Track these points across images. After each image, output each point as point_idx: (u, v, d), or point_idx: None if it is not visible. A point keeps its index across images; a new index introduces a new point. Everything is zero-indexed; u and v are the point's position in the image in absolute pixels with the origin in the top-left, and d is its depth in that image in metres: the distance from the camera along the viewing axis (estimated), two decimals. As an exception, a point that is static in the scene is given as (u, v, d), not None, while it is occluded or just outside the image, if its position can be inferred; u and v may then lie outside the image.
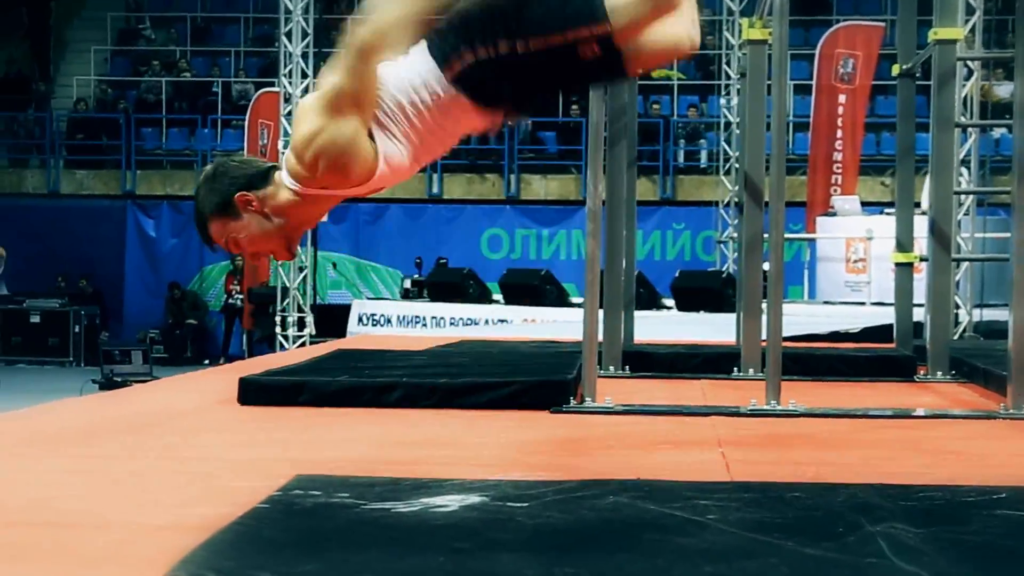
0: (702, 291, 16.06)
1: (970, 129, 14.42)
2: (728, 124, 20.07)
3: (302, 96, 18.40)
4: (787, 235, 5.50)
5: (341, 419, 4.74)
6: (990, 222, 14.86)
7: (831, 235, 15.72)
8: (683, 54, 3.84)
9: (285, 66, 18.63)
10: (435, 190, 22.87)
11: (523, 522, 2.69)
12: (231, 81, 24.56)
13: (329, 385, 5.25)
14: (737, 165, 19.23)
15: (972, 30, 14.04)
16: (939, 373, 6.65)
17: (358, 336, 14.94)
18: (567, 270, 20.41)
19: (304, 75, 18.59)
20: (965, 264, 13.87)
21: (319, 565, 2.32)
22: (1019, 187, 5.11)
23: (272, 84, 20.01)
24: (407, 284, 19.75)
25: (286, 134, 18.63)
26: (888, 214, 14.50)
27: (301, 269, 18.85)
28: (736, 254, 18.84)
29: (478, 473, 3.66)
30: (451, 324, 16.58)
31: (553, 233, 22.73)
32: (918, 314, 7.58)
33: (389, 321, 17.80)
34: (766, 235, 5.75)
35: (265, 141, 19.64)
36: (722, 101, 20.43)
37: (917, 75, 7.42)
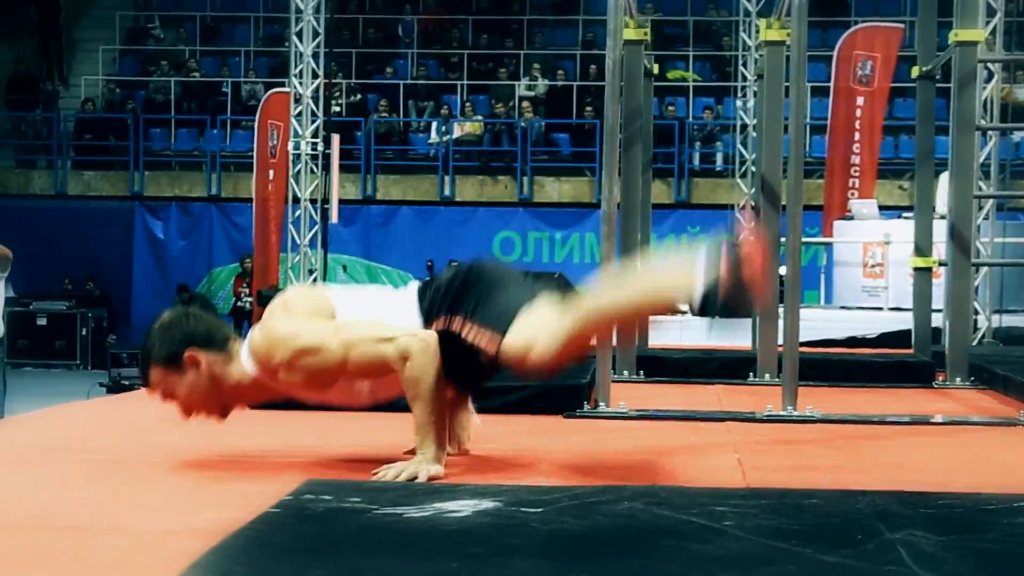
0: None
1: (990, 132, 14.40)
2: (744, 126, 20.02)
3: (312, 97, 18.46)
4: (804, 239, 5.48)
5: (351, 423, 4.74)
6: (1010, 226, 14.83)
7: (848, 239, 15.69)
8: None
9: (295, 66, 18.63)
10: (447, 192, 22.88)
11: (537, 528, 2.69)
12: (241, 81, 24.59)
13: (340, 389, 5.25)
14: (753, 168, 19.20)
15: (993, 32, 14.00)
16: (958, 379, 6.64)
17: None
18: (580, 273, 20.35)
19: (315, 75, 18.60)
20: (984, 269, 13.83)
21: (331, 570, 2.32)
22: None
23: (282, 84, 19.98)
24: (418, 287, 19.74)
25: (296, 135, 18.64)
26: (906, 218, 14.46)
27: (311, 271, 18.86)
28: (752, 258, 18.81)
29: (491, 478, 3.67)
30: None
31: (566, 236, 22.72)
32: (936, 320, 7.58)
33: (400, 324, 17.76)
34: (783, 239, 5.75)
35: (275, 142, 19.63)
36: (738, 103, 20.38)
37: (937, 77, 7.42)
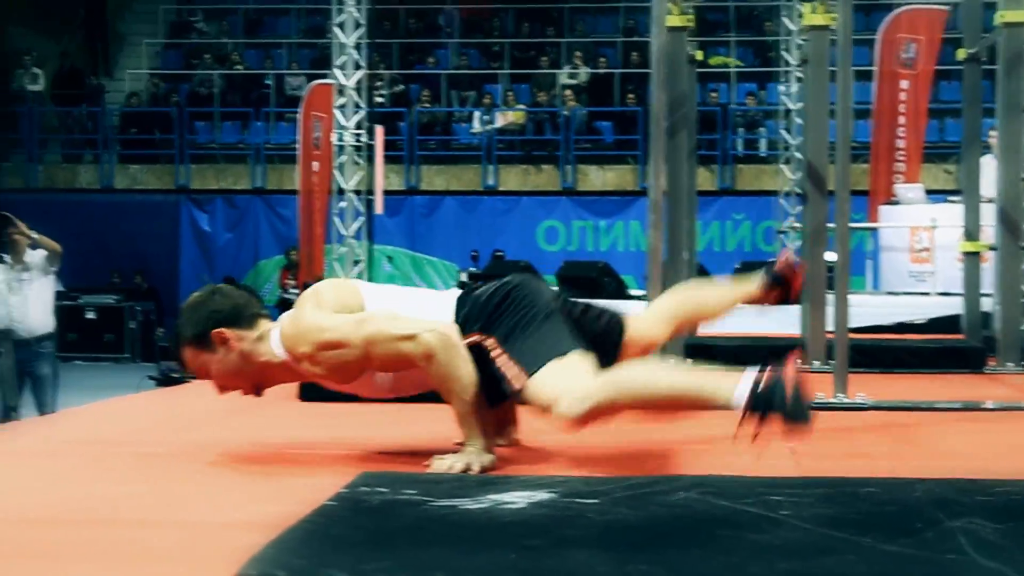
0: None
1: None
2: (787, 112, 19.94)
3: (355, 88, 18.47)
4: (850, 224, 5.45)
5: (403, 414, 4.75)
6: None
7: (895, 224, 15.60)
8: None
9: (338, 57, 18.64)
10: (490, 182, 22.87)
11: (593, 519, 2.69)
12: (284, 73, 24.65)
13: (390, 380, 5.25)
14: (797, 153, 19.13)
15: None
16: (1009, 364, 6.59)
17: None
18: (625, 262, 20.35)
19: (357, 66, 18.61)
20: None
21: (390, 563, 2.32)
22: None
23: (325, 76, 20.02)
24: (463, 277, 19.76)
25: (339, 126, 18.64)
26: (952, 202, 14.37)
27: (356, 263, 18.89)
28: (797, 244, 18.75)
29: (545, 469, 3.67)
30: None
31: (610, 224, 22.67)
32: (986, 304, 7.52)
33: (446, 314, 17.77)
34: (830, 224, 5.72)
35: (318, 133, 19.65)
36: (781, 88, 20.29)
37: (983, 59, 7.36)
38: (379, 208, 18.30)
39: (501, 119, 23.12)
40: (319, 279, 21.58)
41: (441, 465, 3.51)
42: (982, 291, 7.46)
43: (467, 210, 22.80)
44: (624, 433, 4.55)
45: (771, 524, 2.59)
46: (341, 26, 18.67)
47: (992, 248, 7.00)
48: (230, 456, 3.90)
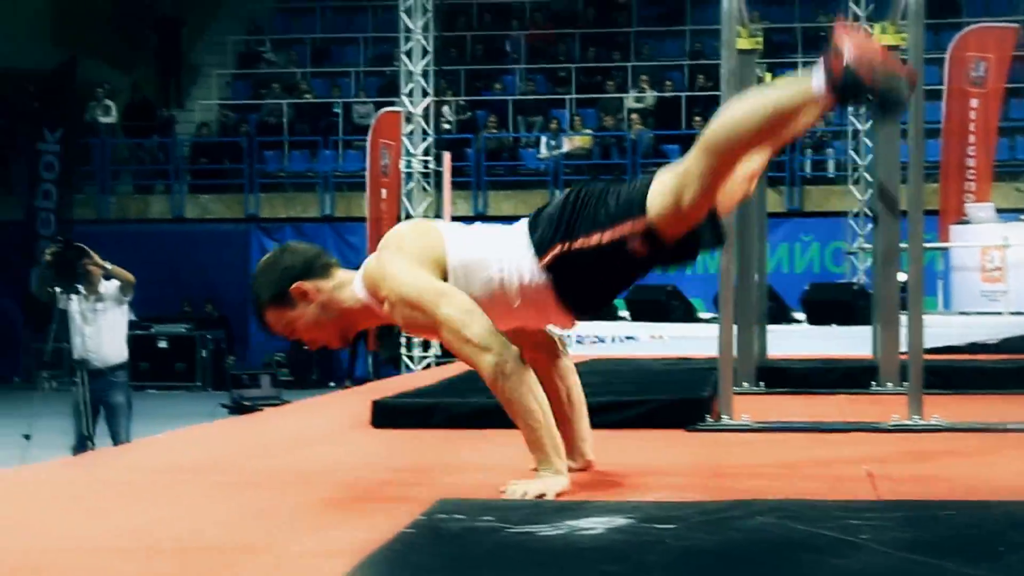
0: (833, 304, 15.87)
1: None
2: (856, 132, 19.86)
3: (423, 115, 18.55)
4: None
5: (476, 441, 4.76)
6: None
7: (966, 244, 15.49)
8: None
9: (406, 85, 18.75)
10: (558, 206, 22.90)
11: (671, 544, 2.68)
12: (351, 102, 24.80)
13: (463, 406, 5.28)
14: (866, 174, 19.03)
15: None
16: (1086, 384, 6.52)
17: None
18: (693, 284, 20.27)
19: (424, 93, 18.71)
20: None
21: (469, 590, 2.33)
22: None
23: (393, 103, 20.14)
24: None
25: (408, 153, 18.74)
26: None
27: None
28: (867, 265, 18.64)
29: (619, 494, 3.66)
30: (577, 342, 16.56)
31: (679, 247, 22.62)
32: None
33: (514, 340, 17.77)
34: (902, 245, 5.68)
35: (386, 161, 19.76)
36: (849, 108, 20.22)
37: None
38: (448, 234, 18.33)
39: (568, 144, 23.14)
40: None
41: (516, 491, 3.51)
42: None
43: (537, 234, 22.80)
44: (696, 455, 4.54)
45: (851, 548, 2.58)
46: (408, 54, 18.77)
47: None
48: (307, 483, 3.92)
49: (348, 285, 3.81)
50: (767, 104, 3.50)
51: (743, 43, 6.64)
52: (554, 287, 3.73)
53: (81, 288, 10.49)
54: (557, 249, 3.70)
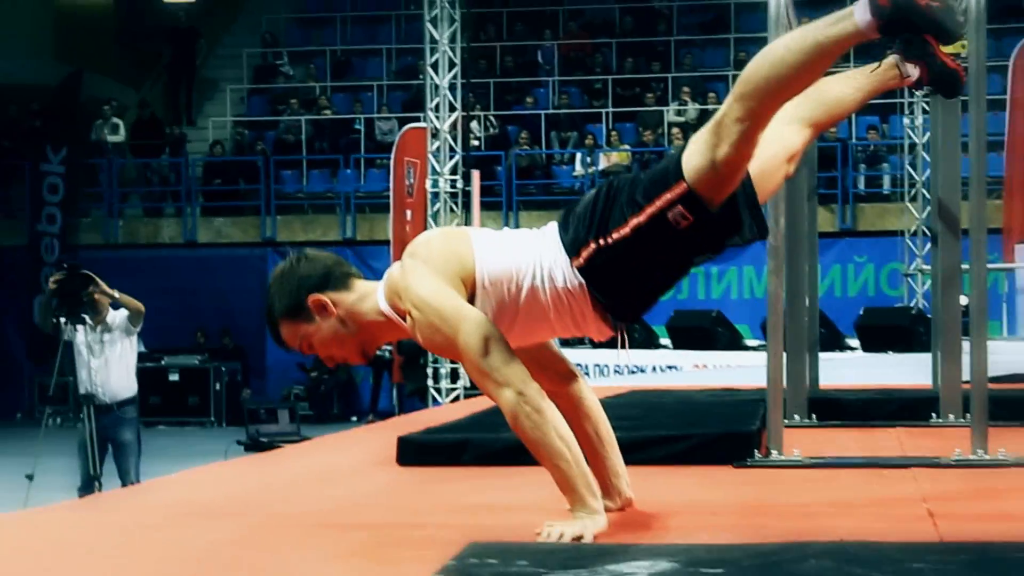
0: (890, 329, 15.84)
1: None
2: (912, 146, 19.84)
3: (450, 131, 18.56)
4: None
5: (509, 479, 4.75)
6: None
7: (1032, 264, 15.43)
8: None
9: (431, 99, 18.75)
10: (594, 227, 22.89)
11: (719, 590, 2.67)
12: (374, 117, 24.83)
13: (495, 442, 5.26)
14: (924, 190, 18.98)
15: None
16: None
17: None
18: (739, 310, 20.27)
19: (452, 108, 18.72)
20: None
21: (503, 640, 2.32)
22: None
23: (418, 119, 20.17)
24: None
25: (434, 172, 18.73)
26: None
27: (453, 316, 18.95)
28: (926, 287, 18.58)
29: (663, 536, 3.65)
30: (615, 372, 16.55)
31: (723, 270, 22.57)
32: None
33: (548, 370, 17.76)
34: (964, 266, 5.66)
35: (412, 180, 19.77)
36: (905, 121, 20.18)
37: None
38: (477, 257, 18.34)
39: (605, 160, 23.15)
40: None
41: (552, 533, 3.49)
42: None
43: (569, 259, 22.80)
44: (744, 494, 4.52)
45: (912, 594, 2.57)
46: (434, 66, 18.78)
47: None
48: (331, 525, 3.92)
49: (369, 297, 3.78)
50: (806, 39, 3.49)
51: (791, 52, 6.62)
52: (591, 290, 3.69)
53: (87, 318, 10.52)
54: (592, 247, 3.67)
